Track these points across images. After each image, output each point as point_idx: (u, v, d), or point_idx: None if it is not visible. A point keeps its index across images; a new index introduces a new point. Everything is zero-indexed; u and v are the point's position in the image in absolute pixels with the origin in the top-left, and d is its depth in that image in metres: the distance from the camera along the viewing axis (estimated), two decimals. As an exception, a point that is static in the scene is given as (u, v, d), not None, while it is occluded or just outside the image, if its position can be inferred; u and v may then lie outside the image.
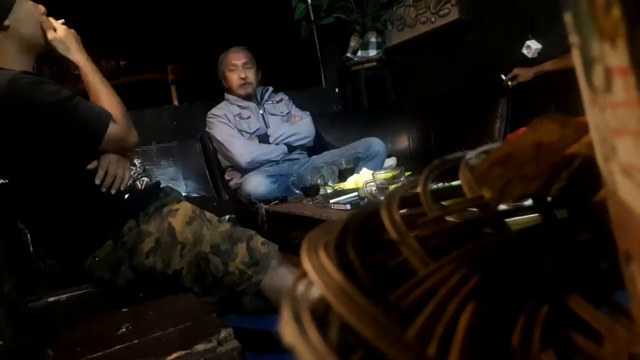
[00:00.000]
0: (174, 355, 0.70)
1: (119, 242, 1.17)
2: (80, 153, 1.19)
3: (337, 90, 3.51)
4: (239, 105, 2.59)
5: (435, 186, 0.22)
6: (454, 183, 0.23)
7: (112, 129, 1.18)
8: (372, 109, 3.23)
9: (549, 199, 0.22)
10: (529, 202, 0.22)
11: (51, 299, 1.18)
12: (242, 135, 2.52)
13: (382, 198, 0.26)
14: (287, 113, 2.70)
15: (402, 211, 0.20)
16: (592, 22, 0.13)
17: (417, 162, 2.48)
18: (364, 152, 2.42)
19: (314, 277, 0.15)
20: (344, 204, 1.61)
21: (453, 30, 2.84)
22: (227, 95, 2.64)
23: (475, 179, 0.21)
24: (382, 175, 1.52)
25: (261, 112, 2.63)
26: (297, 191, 2.00)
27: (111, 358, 0.74)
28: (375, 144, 2.47)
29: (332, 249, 0.16)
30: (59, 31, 1.23)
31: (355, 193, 1.67)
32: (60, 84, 1.17)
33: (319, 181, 1.86)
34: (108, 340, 0.79)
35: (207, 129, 2.61)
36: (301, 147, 2.61)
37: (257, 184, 2.26)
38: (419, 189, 0.22)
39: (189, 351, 0.71)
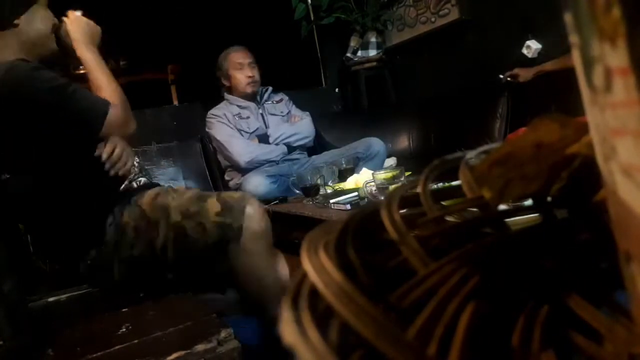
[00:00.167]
0: (174, 355, 0.70)
1: (103, 241, 1.15)
2: (81, 141, 1.17)
3: (337, 90, 3.51)
4: (238, 105, 2.59)
5: (435, 186, 0.22)
6: (454, 183, 0.23)
7: (112, 115, 1.17)
8: (372, 109, 3.23)
9: (549, 199, 0.22)
10: (529, 202, 0.22)
11: (51, 299, 1.18)
12: (242, 135, 2.53)
13: (382, 198, 0.26)
14: (287, 113, 2.70)
15: (402, 211, 0.20)
16: (592, 22, 0.13)
17: (417, 162, 2.48)
18: (364, 152, 2.42)
19: (314, 277, 0.15)
20: (344, 204, 1.60)
21: (453, 30, 2.84)
22: (226, 95, 2.64)
23: (475, 179, 0.21)
24: (382, 175, 1.52)
25: (261, 112, 2.63)
26: (297, 191, 1.99)
27: (111, 358, 0.74)
28: (375, 144, 2.47)
29: (332, 249, 0.16)
30: (69, 22, 1.23)
31: (355, 193, 1.66)
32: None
33: (319, 181, 1.85)
34: (108, 340, 0.79)
35: (206, 129, 2.61)
36: (301, 147, 2.61)
37: (257, 184, 2.26)
38: (419, 189, 0.22)
39: (189, 351, 0.71)
